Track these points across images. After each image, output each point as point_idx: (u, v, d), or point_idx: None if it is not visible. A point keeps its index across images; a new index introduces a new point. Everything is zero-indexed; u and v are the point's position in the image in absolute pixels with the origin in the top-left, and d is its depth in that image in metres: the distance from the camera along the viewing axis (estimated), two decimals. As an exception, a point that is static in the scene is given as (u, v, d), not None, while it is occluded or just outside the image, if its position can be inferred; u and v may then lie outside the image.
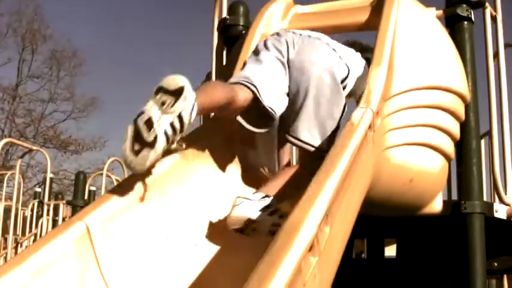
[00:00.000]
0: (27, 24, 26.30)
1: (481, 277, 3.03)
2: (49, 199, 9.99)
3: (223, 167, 2.71)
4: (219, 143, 2.74)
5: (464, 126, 3.15)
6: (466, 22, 3.30)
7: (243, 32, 3.57)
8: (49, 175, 9.82)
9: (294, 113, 2.59)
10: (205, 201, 2.53)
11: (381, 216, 3.39)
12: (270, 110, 2.55)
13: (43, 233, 9.15)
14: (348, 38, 3.17)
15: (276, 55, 2.66)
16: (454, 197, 3.49)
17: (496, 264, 4.13)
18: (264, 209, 2.35)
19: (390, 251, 4.86)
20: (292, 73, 2.62)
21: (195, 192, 2.49)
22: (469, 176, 3.20)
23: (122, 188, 2.20)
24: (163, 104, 2.01)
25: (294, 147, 3.31)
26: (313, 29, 3.39)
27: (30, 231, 9.98)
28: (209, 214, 2.49)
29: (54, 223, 9.52)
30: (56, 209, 9.79)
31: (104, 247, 2.00)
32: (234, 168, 2.77)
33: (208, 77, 3.92)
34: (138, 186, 2.22)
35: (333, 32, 3.73)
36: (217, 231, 2.43)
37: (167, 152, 2.44)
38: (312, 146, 2.55)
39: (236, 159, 2.79)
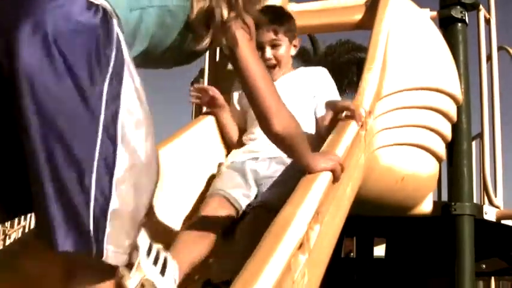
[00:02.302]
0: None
1: (469, 278, 3.03)
2: (39, 192, 9.93)
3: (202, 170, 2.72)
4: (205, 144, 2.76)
5: (455, 127, 3.15)
6: (460, 24, 3.30)
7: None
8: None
9: None
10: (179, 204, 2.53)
11: (370, 216, 3.39)
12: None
13: (32, 225, 9.12)
14: (341, 37, 3.20)
15: None
16: (444, 198, 3.50)
17: (484, 266, 4.15)
18: None
19: (379, 250, 4.88)
20: None
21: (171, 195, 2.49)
22: (460, 178, 3.20)
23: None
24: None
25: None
26: (307, 28, 3.39)
27: (19, 223, 9.94)
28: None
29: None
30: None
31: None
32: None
33: (201, 73, 3.91)
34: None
35: (327, 30, 3.74)
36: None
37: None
38: None
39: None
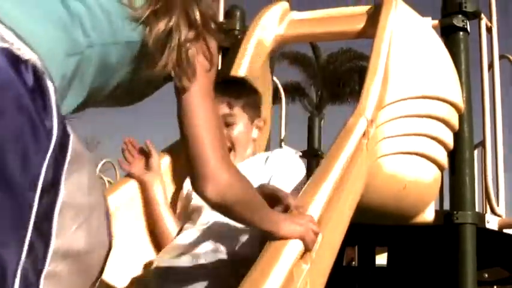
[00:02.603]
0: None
1: (471, 287, 3.02)
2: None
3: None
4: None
5: (457, 136, 3.15)
6: (461, 33, 3.30)
7: (239, 36, 3.56)
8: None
9: None
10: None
11: (372, 224, 3.38)
12: None
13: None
14: (343, 45, 3.15)
15: None
16: (446, 207, 3.49)
17: (486, 275, 4.15)
18: None
19: (381, 259, 4.87)
20: None
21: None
22: (462, 186, 3.19)
23: (114, 190, 2.21)
24: None
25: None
26: (309, 36, 3.39)
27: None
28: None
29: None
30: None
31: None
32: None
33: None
34: (130, 188, 2.22)
35: (328, 39, 3.74)
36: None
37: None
38: None
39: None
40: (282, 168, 2.08)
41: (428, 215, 3.10)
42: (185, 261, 1.89)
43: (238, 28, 3.71)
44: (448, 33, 3.32)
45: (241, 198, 1.40)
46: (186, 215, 2.12)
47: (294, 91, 23.15)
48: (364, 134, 2.32)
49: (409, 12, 3.03)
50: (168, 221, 2.16)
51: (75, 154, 1.05)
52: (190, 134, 1.34)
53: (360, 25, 3.24)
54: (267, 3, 3.45)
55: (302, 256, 1.52)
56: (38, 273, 1.01)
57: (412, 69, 2.87)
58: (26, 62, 1.01)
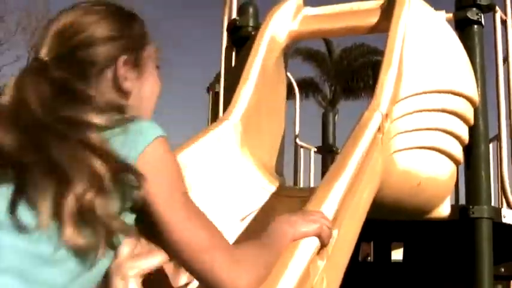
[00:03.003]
0: (37, 22, 26.41)
1: (487, 282, 3.01)
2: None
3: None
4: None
5: (472, 130, 3.13)
6: (476, 26, 3.29)
7: (253, 33, 3.56)
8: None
9: None
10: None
11: (388, 220, 3.38)
12: None
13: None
14: (356, 40, 3.13)
15: None
16: (462, 201, 3.48)
17: (503, 269, 4.12)
18: None
19: (397, 254, 4.86)
20: None
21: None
22: (477, 181, 3.18)
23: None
24: None
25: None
26: (323, 31, 3.38)
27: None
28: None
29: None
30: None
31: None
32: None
33: (217, 78, 3.93)
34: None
35: (342, 34, 3.73)
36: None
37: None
38: None
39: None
40: None
41: (444, 210, 3.09)
42: None
43: (251, 25, 3.71)
44: (463, 27, 3.30)
45: (263, 272, 1.26)
46: None
47: (307, 87, 23.16)
48: (379, 129, 2.32)
49: (422, 6, 3.02)
50: None
51: None
52: (190, 261, 1.20)
53: (373, 20, 3.23)
54: (280, -1, 3.44)
55: (318, 252, 1.52)
56: None
57: (426, 63, 2.86)
58: None
